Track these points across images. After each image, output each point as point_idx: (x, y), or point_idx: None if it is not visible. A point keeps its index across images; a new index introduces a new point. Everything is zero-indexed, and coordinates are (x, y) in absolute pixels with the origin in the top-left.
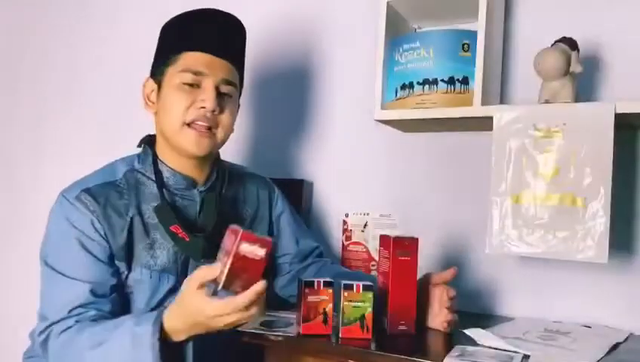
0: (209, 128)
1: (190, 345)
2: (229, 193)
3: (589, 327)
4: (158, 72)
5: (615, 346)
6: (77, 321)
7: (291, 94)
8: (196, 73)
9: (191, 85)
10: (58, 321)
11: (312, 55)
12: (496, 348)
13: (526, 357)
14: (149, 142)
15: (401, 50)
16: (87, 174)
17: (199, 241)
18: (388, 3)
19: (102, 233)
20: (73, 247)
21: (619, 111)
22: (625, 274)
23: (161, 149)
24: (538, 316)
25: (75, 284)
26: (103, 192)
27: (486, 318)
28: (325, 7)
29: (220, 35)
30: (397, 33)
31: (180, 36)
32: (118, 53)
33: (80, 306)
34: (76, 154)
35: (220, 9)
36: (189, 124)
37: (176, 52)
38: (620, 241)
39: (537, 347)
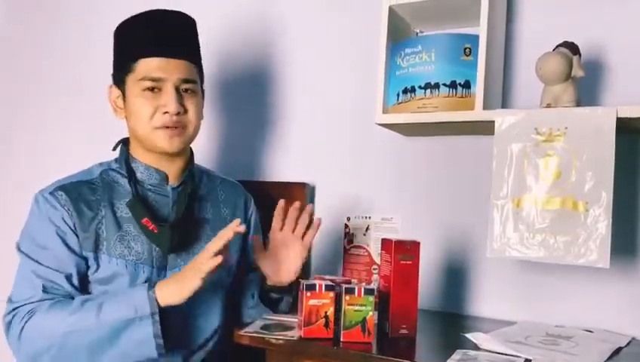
0: (178, 127)
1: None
2: (208, 192)
3: (591, 332)
4: (119, 80)
5: (617, 351)
6: (49, 301)
7: (293, 97)
8: (154, 80)
9: (152, 90)
10: (29, 303)
11: (314, 58)
12: (497, 352)
13: (528, 361)
14: (124, 143)
15: (403, 54)
16: (66, 176)
17: (166, 232)
18: (390, 7)
19: (72, 226)
20: (49, 238)
21: (621, 115)
22: (627, 279)
23: (135, 148)
24: (540, 320)
25: (46, 271)
26: (77, 188)
27: (487, 322)
28: (328, 11)
29: (171, 36)
30: (399, 37)
31: (132, 43)
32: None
33: (49, 291)
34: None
35: (166, 8)
36: (157, 128)
37: (132, 60)
38: (621, 245)
39: (539, 351)
